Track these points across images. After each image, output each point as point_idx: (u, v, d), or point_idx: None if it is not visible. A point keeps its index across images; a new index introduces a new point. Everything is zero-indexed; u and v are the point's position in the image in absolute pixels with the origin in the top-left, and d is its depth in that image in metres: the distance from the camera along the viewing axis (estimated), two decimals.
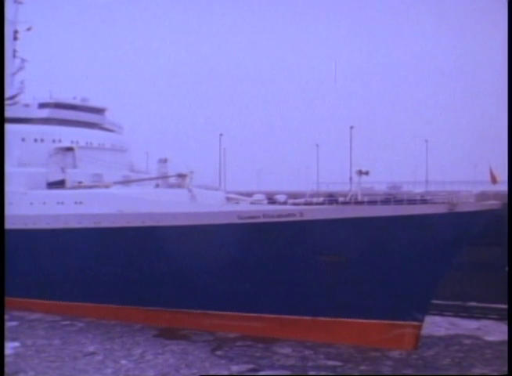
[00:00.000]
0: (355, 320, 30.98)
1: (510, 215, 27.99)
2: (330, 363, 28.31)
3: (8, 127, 44.15)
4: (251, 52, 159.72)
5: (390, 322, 30.35)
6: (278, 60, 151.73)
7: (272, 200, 38.17)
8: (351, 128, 66.61)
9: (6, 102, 46.79)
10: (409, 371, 27.24)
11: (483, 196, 31.11)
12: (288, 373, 26.92)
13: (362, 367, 27.70)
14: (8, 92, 47.60)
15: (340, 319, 31.14)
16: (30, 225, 38.75)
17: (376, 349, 29.84)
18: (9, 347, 30.55)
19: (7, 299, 39.61)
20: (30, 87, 48.52)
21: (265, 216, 31.91)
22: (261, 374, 26.83)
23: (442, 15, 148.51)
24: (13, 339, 32.39)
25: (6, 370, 26.81)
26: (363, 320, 30.85)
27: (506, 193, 29.56)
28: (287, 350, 30.27)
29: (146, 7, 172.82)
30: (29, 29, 49.95)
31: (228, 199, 43.60)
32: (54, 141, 43.89)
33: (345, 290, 30.30)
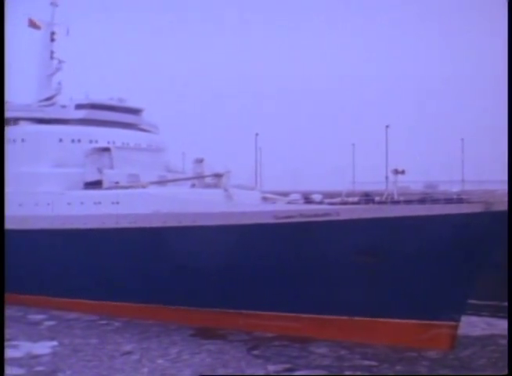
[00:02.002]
0: (392, 320, 30.72)
1: (510, 215, 27.63)
2: (366, 363, 28.10)
3: (45, 128, 44.70)
4: (286, 50, 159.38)
5: (426, 322, 30.05)
6: (313, 59, 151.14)
7: (308, 199, 38.07)
8: (387, 127, 66.36)
9: (44, 103, 47.25)
10: (446, 372, 26.94)
11: None
12: (324, 373, 26.73)
13: (398, 367, 27.44)
14: (45, 94, 48.04)
15: (377, 319, 30.91)
16: (68, 225, 39.01)
17: (413, 349, 29.53)
18: (47, 346, 30.83)
19: (46, 298, 40.21)
20: (67, 88, 48.86)
21: (301, 216, 31.79)
22: (297, 373, 26.66)
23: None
24: (51, 338, 32.69)
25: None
26: (400, 320, 30.58)
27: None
28: (324, 350, 30.07)
29: (180, 8, 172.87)
30: (67, 33, 50.32)
31: (264, 199, 43.52)
32: (91, 142, 44.20)
33: (382, 290, 30.10)
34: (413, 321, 30.28)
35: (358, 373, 26.66)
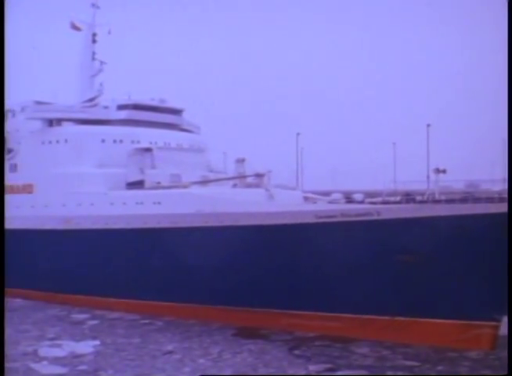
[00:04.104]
0: (433, 320, 30.45)
1: (510, 215, 27.23)
2: (408, 363, 27.89)
3: (88, 128, 45.09)
4: (326, 50, 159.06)
5: (467, 322, 29.70)
6: (354, 58, 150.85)
7: (349, 199, 37.90)
8: (428, 126, 65.83)
9: (86, 104, 47.65)
10: (487, 372, 26.63)
11: None
12: (365, 373, 26.58)
13: (440, 368, 27.19)
14: (87, 95, 48.43)
15: (418, 319, 30.66)
16: (111, 225, 39.26)
17: (454, 350, 29.24)
18: (90, 345, 31.04)
19: (88, 298, 40.51)
20: (108, 89, 49.20)
21: (342, 215, 31.64)
22: (339, 373, 26.55)
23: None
24: (94, 338, 32.88)
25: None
26: (441, 320, 30.29)
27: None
28: (365, 350, 29.92)
29: (223, 7, 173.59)
30: (109, 33, 50.69)
31: (305, 198, 43.42)
32: (133, 142, 44.40)
33: (423, 290, 29.84)
34: (454, 321, 29.96)
35: (400, 373, 26.49)
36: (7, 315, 38.37)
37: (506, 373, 21.80)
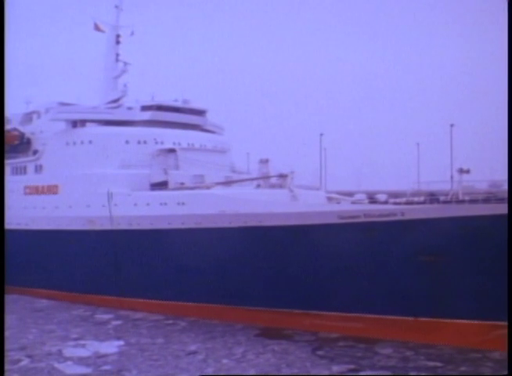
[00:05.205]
0: (457, 321, 30.26)
1: (510, 215, 26.98)
2: (431, 364, 27.75)
3: (112, 129, 45.27)
4: (351, 51, 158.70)
5: (491, 323, 29.47)
6: (377, 60, 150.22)
7: (372, 199, 37.79)
8: (452, 126, 65.49)
9: (110, 105, 47.86)
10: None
11: None
12: (388, 373, 26.49)
13: (463, 368, 27.08)
14: (111, 96, 48.62)
15: (442, 319, 30.48)
16: (135, 226, 39.39)
17: (477, 350, 29.09)
18: (114, 345, 31.16)
19: (112, 298, 40.70)
20: (132, 90, 49.37)
21: (365, 216, 31.56)
22: (362, 374, 26.49)
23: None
24: (118, 338, 33.04)
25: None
26: (464, 321, 30.10)
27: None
28: (388, 351, 29.81)
29: (247, 8, 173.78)
30: (132, 34, 50.90)
31: (329, 199, 43.36)
32: (156, 143, 44.50)
33: (446, 290, 29.68)
34: (478, 322, 29.75)
35: (423, 374, 26.36)
36: (31, 315, 39.03)
37: (506, 373, 21.78)
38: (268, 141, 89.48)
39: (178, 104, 49.06)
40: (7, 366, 26.72)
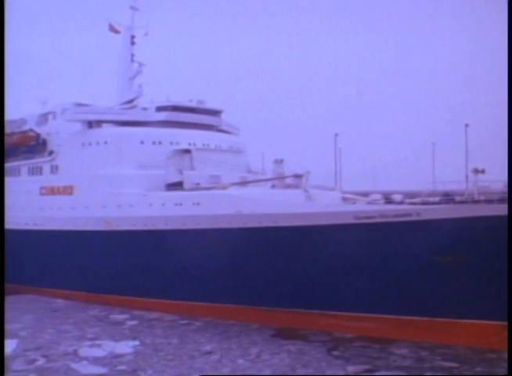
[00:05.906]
0: (472, 321, 30.13)
1: (510, 215, 26.82)
2: (447, 364, 27.70)
3: (127, 130, 45.39)
4: (364, 52, 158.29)
5: (506, 323, 29.36)
6: (392, 60, 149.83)
7: (388, 199, 37.70)
8: (467, 126, 65.21)
9: (125, 106, 47.98)
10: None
11: None
12: (404, 374, 26.44)
13: (478, 369, 27.02)
14: (126, 96, 48.72)
15: (458, 320, 30.37)
16: (150, 227, 39.43)
17: (493, 351, 28.93)
18: (129, 345, 31.23)
19: (128, 298, 40.80)
20: (147, 90, 49.43)
21: (381, 216, 31.49)
22: (377, 374, 26.48)
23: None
24: (133, 338, 33.08)
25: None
26: (480, 321, 29.96)
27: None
28: (404, 351, 29.74)
29: (260, 8, 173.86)
30: (146, 34, 50.98)
31: (344, 199, 43.28)
32: (172, 143, 44.50)
33: (462, 290, 29.56)
34: (494, 322, 29.59)
35: (439, 374, 26.29)
36: (48, 315, 39.15)
37: (506, 373, 21.75)
38: (284, 141, 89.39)
39: (194, 104, 49.08)
40: (23, 367, 27.04)
